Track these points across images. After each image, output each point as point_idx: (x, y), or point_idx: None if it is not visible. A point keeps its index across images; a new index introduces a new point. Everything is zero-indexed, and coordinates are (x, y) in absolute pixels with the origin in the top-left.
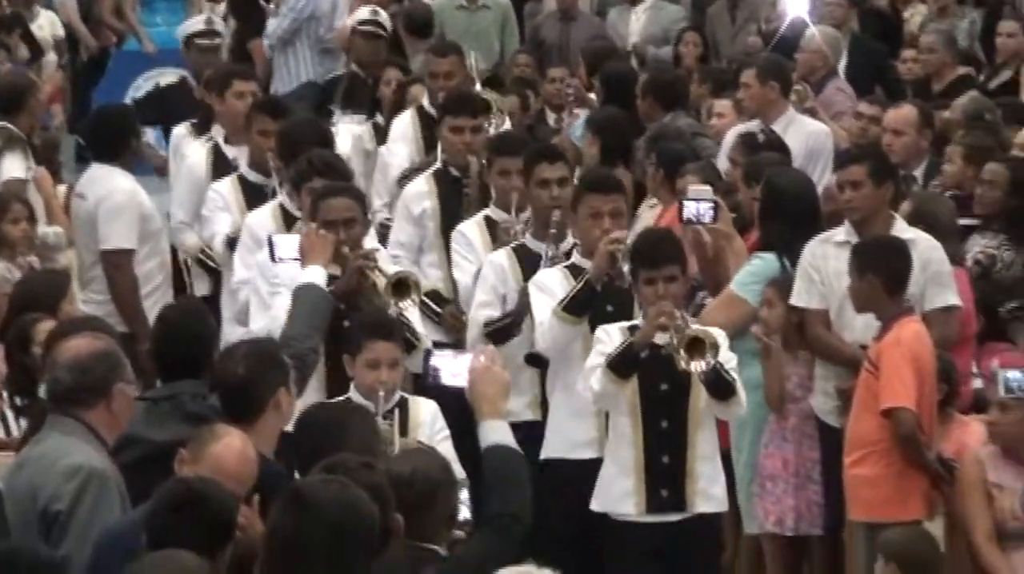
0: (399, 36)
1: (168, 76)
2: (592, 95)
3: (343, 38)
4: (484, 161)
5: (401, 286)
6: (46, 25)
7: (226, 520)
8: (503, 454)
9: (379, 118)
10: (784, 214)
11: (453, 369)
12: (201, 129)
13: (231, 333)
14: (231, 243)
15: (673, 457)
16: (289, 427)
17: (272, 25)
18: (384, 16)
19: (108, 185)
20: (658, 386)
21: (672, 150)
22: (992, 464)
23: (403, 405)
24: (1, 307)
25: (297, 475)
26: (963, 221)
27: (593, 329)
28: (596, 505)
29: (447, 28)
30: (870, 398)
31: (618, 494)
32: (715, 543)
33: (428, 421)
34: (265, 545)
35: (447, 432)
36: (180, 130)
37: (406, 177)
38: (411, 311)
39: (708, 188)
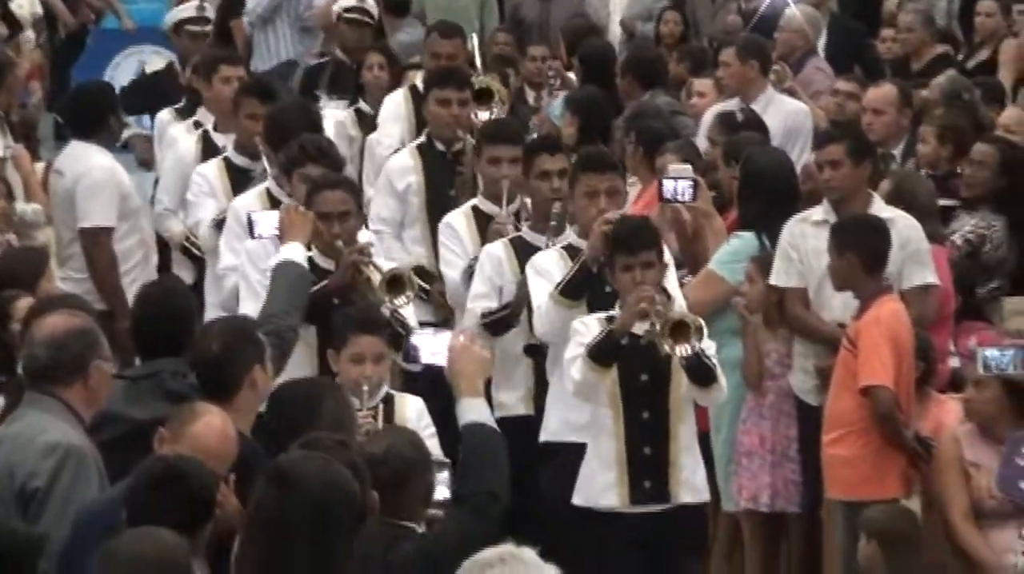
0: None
1: (155, 62)
2: (571, 74)
3: (322, 17)
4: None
5: (396, 283)
6: (25, 3)
7: (206, 498)
8: (481, 432)
9: (362, 104)
10: (763, 193)
11: (432, 348)
12: (185, 114)
13: None
14: (218, 225)
15: (655, 448)
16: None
17: (252, 3)
18: (370, 2)
19: (87, 162)
20: (638, 377)
21: (652, 128)
22: (969, 442)
23: (388, 401)
24: None
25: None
26: (939, 202)
27: (591, 312)
28: (579, 499)
29: (427, 6)
30: (848, 376)
31: (600, 487)
32: (700, 533)
33: (414, 417)
34: (248, 522)
35: (433, 429)
36: (164, 115)
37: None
38: (405, 307)
39: (688, 167)
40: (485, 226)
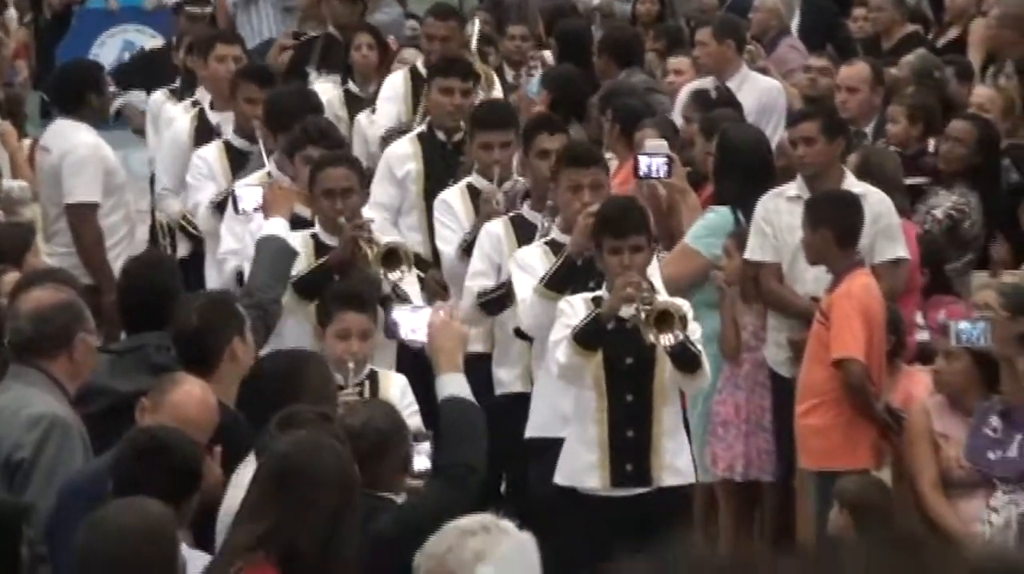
0: None
1: (140, 40)
2: (548, 52)
3: None
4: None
5: (392, 256)
6: None
7: (191, 469)
8: (459, 406)
9: (351, 85)
10: (738, 169)
11: (412, 324)
12: (180, 94)
13: None
14: (219, 207)
15: (638, 431)
16: None
17: None
18: None
19: (72, 139)
20: (623, 360)
21: (629, 105)
22: (938, 414)
23: (373, 378)
24: None
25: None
26: (908, 181)
27: None
28: (560, 478)
29: None
30: (821, 349)
31: (582, 467)
32: (683, 516)
33: (397, 395)
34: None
35: (416, 406)
36: (158, 96)
37: (388, 138)
38: (410, 284)
39: (664, 143)
40: (479, 203)
